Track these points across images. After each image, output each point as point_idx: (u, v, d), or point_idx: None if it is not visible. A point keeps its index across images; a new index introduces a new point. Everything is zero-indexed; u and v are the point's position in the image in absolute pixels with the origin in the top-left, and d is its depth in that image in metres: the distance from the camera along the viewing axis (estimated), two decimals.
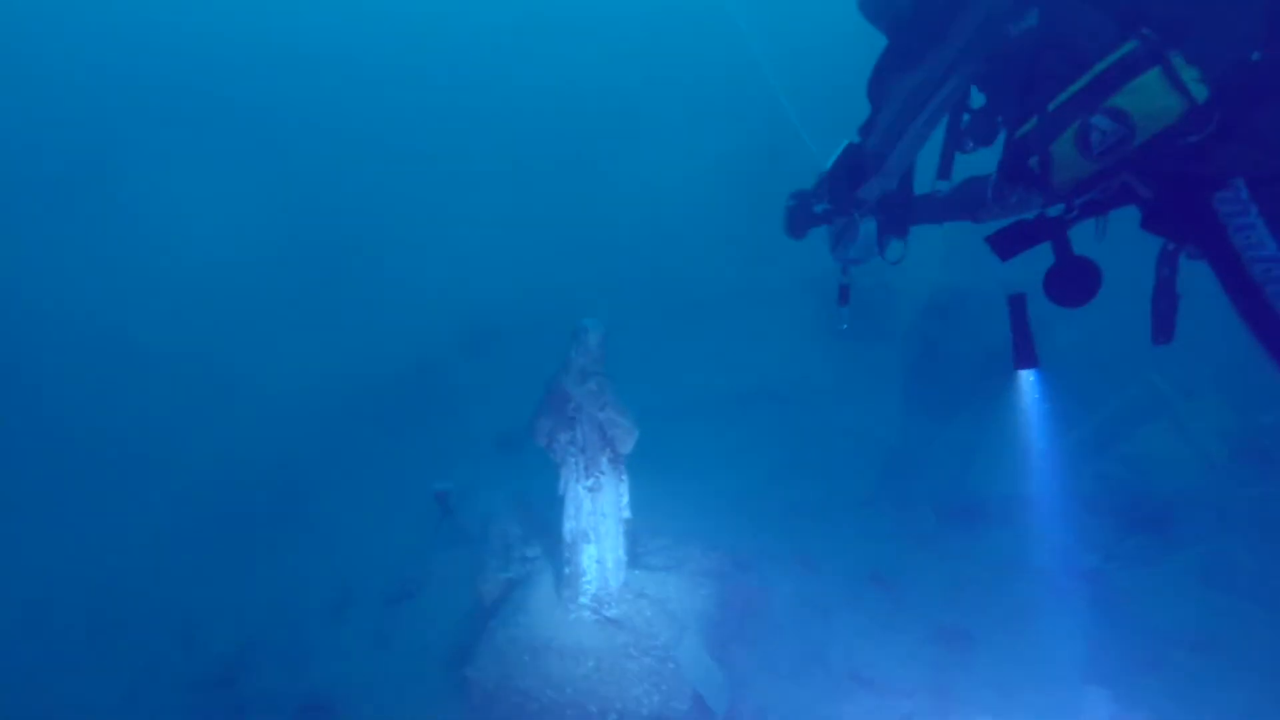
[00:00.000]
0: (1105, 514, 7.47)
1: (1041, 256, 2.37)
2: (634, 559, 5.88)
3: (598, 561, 5.18)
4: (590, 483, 4.87)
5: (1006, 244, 2.35)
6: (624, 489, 5.05)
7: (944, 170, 2.64)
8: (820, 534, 7.35)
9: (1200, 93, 1.86)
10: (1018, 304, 2.60)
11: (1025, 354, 2.61)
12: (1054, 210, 2.24)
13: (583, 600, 5.27)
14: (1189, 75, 1.87)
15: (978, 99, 2.57)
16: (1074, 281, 2.26)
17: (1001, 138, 2.42)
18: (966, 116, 2.55)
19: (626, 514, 5.15)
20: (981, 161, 2.67)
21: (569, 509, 5.07)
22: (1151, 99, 1.90)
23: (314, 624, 7.39)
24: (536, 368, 11.60)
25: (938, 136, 2.66)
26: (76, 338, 14.54)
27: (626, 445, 4.80)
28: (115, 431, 11.60)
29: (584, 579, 5.22)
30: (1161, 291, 2.40)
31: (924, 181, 2.81)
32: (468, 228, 18.92)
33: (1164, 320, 2.42)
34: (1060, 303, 2.31)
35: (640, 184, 18.37)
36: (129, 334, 14.67)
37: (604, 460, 4.86)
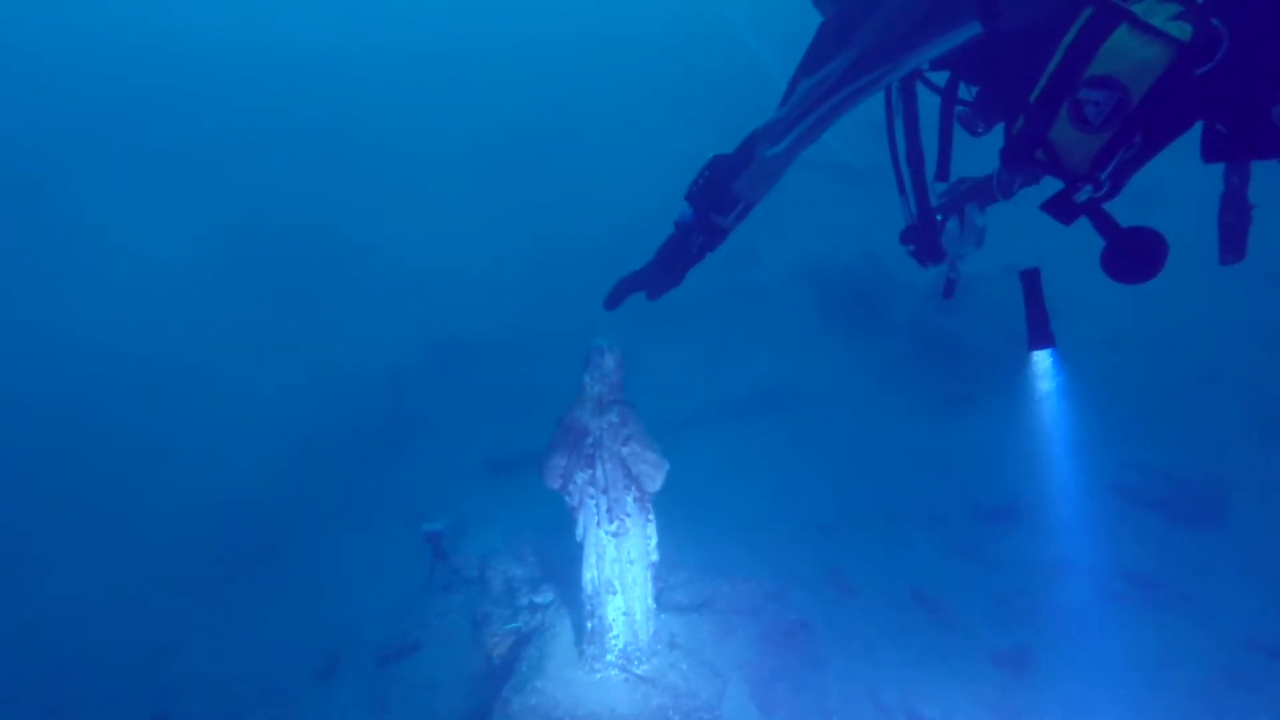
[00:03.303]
0: (1150, 506, 7.01)
1: (1057, 230, 2.14)
2: (656, 597, 5.25)
3: (625, 614, 4.53)
4: (614, 527, 4.21)
5: (1065, 209, 2.03)
6: (651, 530, 4.40)
7: (942, 172, 2.48)
8: (851, 551, 6.78)
9: (1182, 31, 1.66)
10: (1031, 280, 2.40)
11: (1040, 333, 2.40)
12: (1082, 196, 1.99)
13: (609, 658, 4.61)
14: (1162, 17, 1.69)
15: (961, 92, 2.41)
16: (1135, 255, 1.95)
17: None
18: (961, 108, 2.39)
19: (654, 557, 4.51)
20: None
21: (589, 556, 4.41)
22: (1130, 56, 1.71)
23: (300, 691, 6.61)
24: (520, 386, 10.96)
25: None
26: (17, 373, 13.48)
27: (655, 482, 4.16)
28: (62, 485, 10.64)
29: (610, 634, 4.57)
30: (1230, 202, 2.18)
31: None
32: (432, 238, 18.14)
33: (1234, 235, 2.21)
34: (1125, 280, 2.01)
35: (613, 185, 17.74)
36: (77, 368, 13.67)
37: (629, 500, 4.21)
